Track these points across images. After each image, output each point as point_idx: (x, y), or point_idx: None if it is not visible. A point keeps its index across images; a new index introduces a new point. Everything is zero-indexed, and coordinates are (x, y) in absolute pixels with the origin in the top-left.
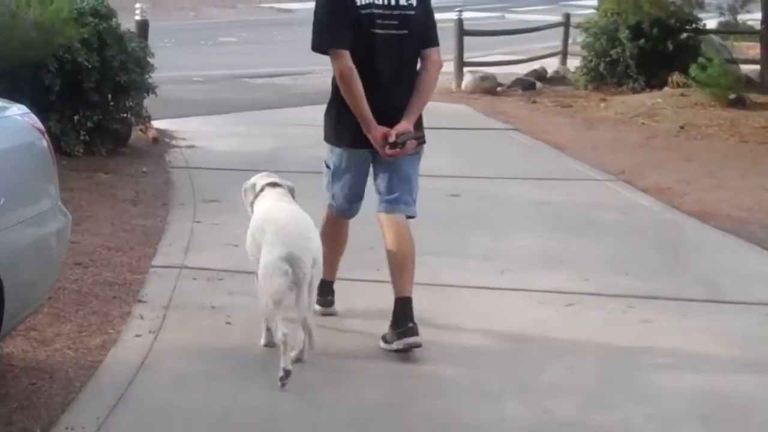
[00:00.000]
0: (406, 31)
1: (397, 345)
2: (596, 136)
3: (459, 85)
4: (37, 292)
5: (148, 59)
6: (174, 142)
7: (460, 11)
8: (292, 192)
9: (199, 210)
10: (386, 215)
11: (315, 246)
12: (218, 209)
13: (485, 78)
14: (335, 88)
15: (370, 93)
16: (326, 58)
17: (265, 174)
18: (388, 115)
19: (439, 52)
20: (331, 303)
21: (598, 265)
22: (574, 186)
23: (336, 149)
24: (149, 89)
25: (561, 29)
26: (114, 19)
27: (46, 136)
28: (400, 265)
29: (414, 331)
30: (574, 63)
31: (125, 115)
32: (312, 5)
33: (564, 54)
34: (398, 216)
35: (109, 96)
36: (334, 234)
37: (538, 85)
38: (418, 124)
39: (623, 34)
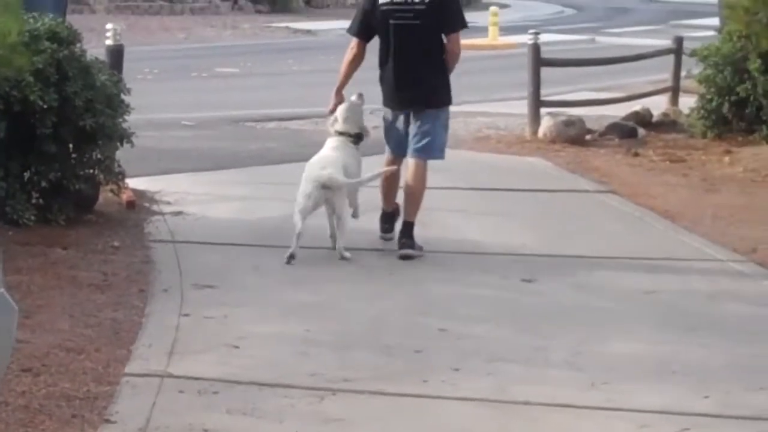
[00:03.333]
0: (418, 22)
1: (397, 254)
2: (719, 202)
3: (535, 131)
4: None
5: (123, 97)
6: (156, 208)
7: (537, 34)
8: (354, 137)
9: (189, 299)
10: (410, 159)
11: (326, 173)
12: (214, 298)
13: (570, 123)
14: (378, 60)
15: (393, 67)
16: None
17: (354, 99)
18: (407, 85)
19: (457, 39)
20: (389, 230)
21: (722, 377)
22: (690, 269)
23: (384, 107)
24: (123, 137)
25: (671, 58)
26: (78, 45)
27: None
28: (410, 197)
29: (406, 245)
30: (688, 103)
31: (91, 171)
32: (336, 26)
33: (675, 91)
34: (418, 160)
35: (71, 146)
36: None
37: (641, 132)
38: (439, 90)
39: (754, 64)
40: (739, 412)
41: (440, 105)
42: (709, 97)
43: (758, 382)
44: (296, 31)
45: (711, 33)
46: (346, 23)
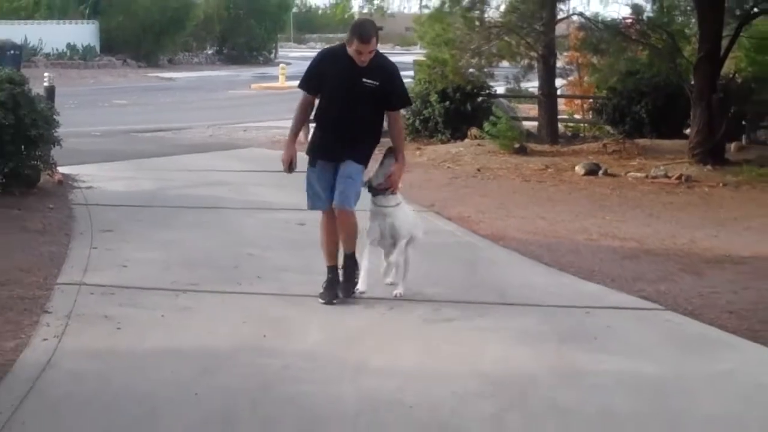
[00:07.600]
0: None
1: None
2: (412, 178)
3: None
4: None
5: (55, 117)
6: (75, 184)
7: None
8: None
9: (96, 238)
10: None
11: None
12: (112, 238)
13: None
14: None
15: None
16: (189, 118)
17: None
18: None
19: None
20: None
21: (412, 277)
22: None
23: None
24: (55, 142)
25: None
26: (26, 86)
27: None
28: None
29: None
30: None
31: (35, 162)
32: (187, 75)
33: None
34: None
35: (22, 147)
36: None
37: None
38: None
39: (433, 97)
40: (423, 297)
41: None
42: (408, 117)
43: (433, 281)
44: (162, 78)
45: (409, 80)
46: (194, 73)
